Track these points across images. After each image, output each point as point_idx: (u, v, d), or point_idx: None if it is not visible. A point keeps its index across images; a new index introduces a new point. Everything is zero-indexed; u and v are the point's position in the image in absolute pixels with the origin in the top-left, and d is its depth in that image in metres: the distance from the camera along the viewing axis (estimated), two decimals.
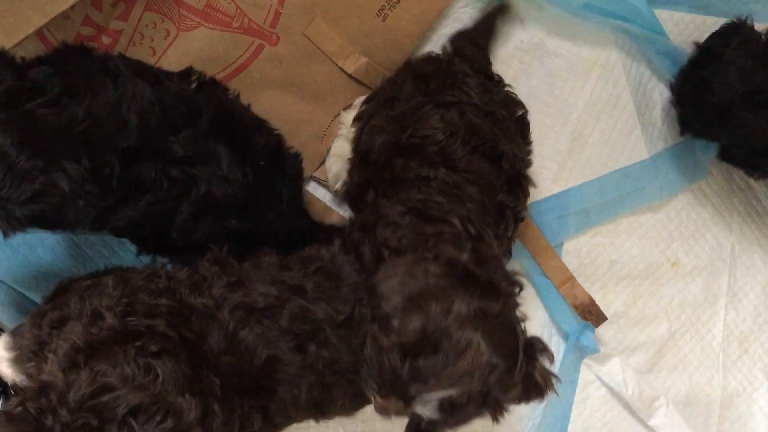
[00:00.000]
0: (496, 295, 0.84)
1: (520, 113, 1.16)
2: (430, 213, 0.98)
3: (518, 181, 1.10)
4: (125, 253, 1.21)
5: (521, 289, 0.92)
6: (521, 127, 1.16)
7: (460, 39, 1.23)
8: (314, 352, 0.93)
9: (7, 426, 0.72)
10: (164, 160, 1.00)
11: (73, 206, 0.89)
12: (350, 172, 1.15)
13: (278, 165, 1.14)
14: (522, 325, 0.87)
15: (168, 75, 1.08)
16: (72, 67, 0.97)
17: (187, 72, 1.11)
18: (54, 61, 0.98)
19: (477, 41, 1.23)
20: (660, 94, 1.37)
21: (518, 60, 1.32)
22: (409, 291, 0.82)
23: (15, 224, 0.88)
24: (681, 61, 1.31)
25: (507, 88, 1.18)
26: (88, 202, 0.91)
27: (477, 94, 1.09)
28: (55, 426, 0.71)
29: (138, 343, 0.80)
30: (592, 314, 1.35)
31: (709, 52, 1.25)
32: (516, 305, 0.89)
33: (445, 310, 0.80)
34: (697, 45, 1.27)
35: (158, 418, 0.75)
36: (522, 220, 1.14)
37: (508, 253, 1.13)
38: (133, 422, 0.74)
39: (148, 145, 0.98)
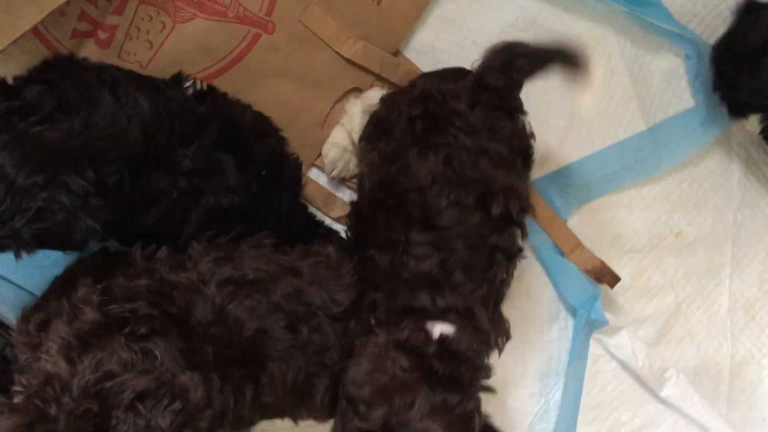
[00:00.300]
0: (459, 388, 0.89)
1: (524, 146, 1.12)
2: (403, 286, 0.97)
3: (511, 220, 1.04)
4: None
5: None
6: (523, 156, 1.12)
7: (490, 66, 1.11)
8: (306, 335, 0.93)
9: (10, 416, 0.72)
10: (173, 172, 1.01)
11: (78, 223, 0.88)
12: (356, 204, 1.13)
13: (278, 173, 1.15)
14: (480, 411, 0.92)
15: (165, 84, 1.08)
16: (65, 81, 0.96)
17: (179, 77, 1.11)
18: (46, 77, 0.97)
19: (511, 71, 1.11)
20: (658, 65, 1.37)
21: (514, 37, 1.30)
22: (376, 383, 0.87)
23: (24, 246, 0.87)
24: (678, 29, 1.32)
25: (522, 119, 1.13)
26: (94, 217, 0.90)
27: (468, 134, 1.03)
28: (59, 415, 0.71)
29: (126, 330, 0.80)
30: (605, 276, 1.36)
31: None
32: (478, 392, 0.94)
33: (408, 404, 0.85)
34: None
35: (166, 401, 0.76)
36: (521, 251, 1.09)
37: (501, 298, 1.08)
38: (141, 407, 0.74)
39: (157, 157, 0.99)
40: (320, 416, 1.03)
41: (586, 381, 1.39)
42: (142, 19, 1.19)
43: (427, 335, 0.91)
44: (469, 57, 1.30)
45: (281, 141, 1.18)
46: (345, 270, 1.02)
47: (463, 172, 1.00)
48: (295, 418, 1.05)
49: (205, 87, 1.11)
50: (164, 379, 0.76)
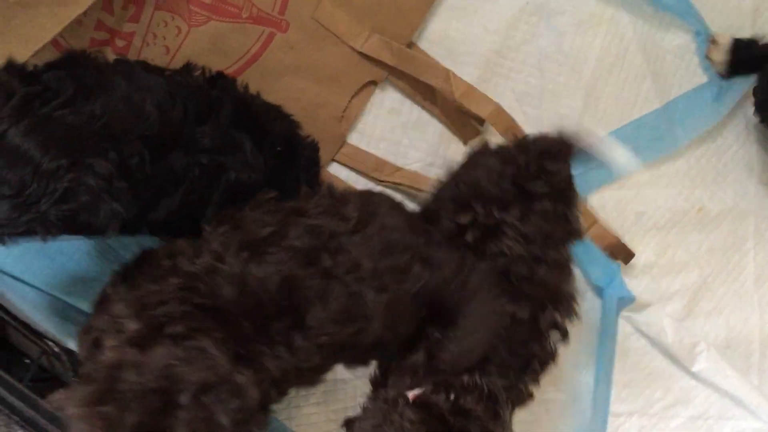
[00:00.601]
0: None
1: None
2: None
3: (556, 326, 1.04)
4: None
5: None
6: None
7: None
8: (329, 261, 0.91)
9: (83, 386, 0.73)
10: (193, 150, 1.01)
11: (102, 205, 0.89)
12: None
13: (293, 153, 1.16)
14: None
15: (175, 71, 1.09)
16: (82, 68, 0.98)
17: (188, 66, 1.12)
18: (64, 64, 0.98)
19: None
20: (670, 42, 1.38)
21: (525, 22, 1.33)
22: None
23: (50, 227, 0.88)
24: (684, 5, 1.32)
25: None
26: (118, 199, 0.91)
27: (526, 244, 1.02)
28: (128, 389, 0.72)
29: (167, 332, 0.81)
30: (620, 252, 1.37)
31: None
32: None
33: None
34: None
35: (225, 397, 0.76)
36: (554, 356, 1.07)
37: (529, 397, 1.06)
38: (205, 399, 0.74)
39: (174, 137, 0.99)
40: (385, 341, 0.98)
41: (616, 359, 1.40)
42: (158, 25, 1.21)
43: (447, 395, 0.92)
44: (481, 45, 1.33)
45: (293, 124, 1.18)
46: (348, 194, 1.01)
47: (523, 287, 1.01)
48: (360, 346, 0.99)
49: (214, 73, 1.12)
50: (224, 375, 0.77)
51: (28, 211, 0.84)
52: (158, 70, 1.05)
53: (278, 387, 0.89)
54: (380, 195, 1.07)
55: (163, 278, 0.89)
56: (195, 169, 1.00)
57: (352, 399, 1.30)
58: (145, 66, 1.05)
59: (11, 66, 0.94)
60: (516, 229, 1.01)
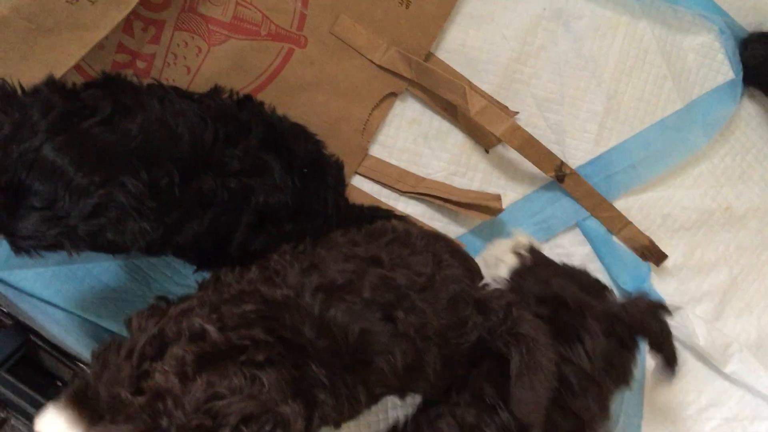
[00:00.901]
0: None
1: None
2: None
3: None
4: (187, 270, 1.22)
5: None
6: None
7: (635, 303, 1.12)
8: (403, 318, 0.94)
9: (125, 424, 0.73)
10: (222, 173, 1.02)
11: (130, 224, 0.89)
12: None
13: (320, 173, 1.16)
14: None
15: (204, 95, 1.10)
16: (119, 89, 0.99)
17: (216, 89, 1.13)
18: (101, 84, 1.00)
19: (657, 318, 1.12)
20: (692, 41, 1.37)
21: (543, 28, 1.32)
22: None
23: (77, 242, 0.88)
24: (705, 3, 1.31)
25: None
26: (147, 219, 0.91)
27: (590, 360, 1.02)
28: (170, 427, 0.72)
29: (244, 357, 0.81)
30: (652, 254, 1.36)
31: None
32: None
33: None
34: None
35: (268, 428, 0.76)
36: None
37: None
38: (245, 430, 0.74)
39: (205, 160, 1.00)
40: (434, 386, 1.02)
41: (647, 363, 1.38)
42: (178, 45, 1.22)
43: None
44: (499, 52, 1.32)
45: (319, 144, 1.19)
46: (415, 239, 1.03)
47: (567, 399, 1.01)
48: (406, 394, 1.05)
49: (241, 96, 1.13)
50: (268, 405, 0.77)
51: (57, 224, 0.85)
52: (189, 95, 1.06)
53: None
54: (443, 239, 1.09)
55: (241, 302, 0.90)
56: (224, 192, 1.00)
57: (383, 411, 1.30)
58: (177, 91, 1.06)
59: (52, 82, 0.96)
60: (594, 342, 1.02)
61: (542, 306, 1.06)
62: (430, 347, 0.96)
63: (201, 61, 1.23)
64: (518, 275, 1.14)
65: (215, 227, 1.02)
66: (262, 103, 1.14)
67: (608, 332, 1.04)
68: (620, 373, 1.05)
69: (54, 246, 0.88)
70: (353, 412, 0.94)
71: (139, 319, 0.92)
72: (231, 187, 1.01)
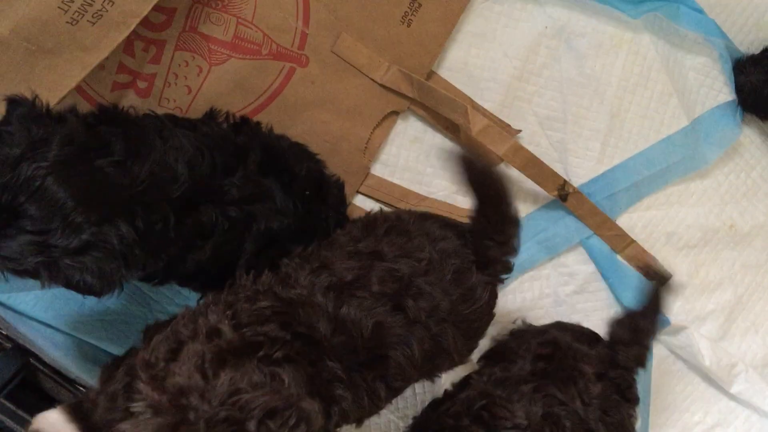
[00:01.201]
0: None
1: None
2: None
3: None
4: (188, 291, 1.21)
5: None
6: None
7: (621, 327, 1.11)
8: (413, 306, 0.95)
9: (153, 417, 0.72)
10: (222, 203, 1.01)
11: (112, 269, 0.88)
12: None
13: (321, 193, 1.16)
14: None
15: (200, 121, 1.09)
16: (132, 127, 0.97)
17: (211, 113, 1.12)
18: (115, 120, 0.98)
19: (640, 333, 1.11)
20: (692, 59, 1.36)
21: (545, 46, 1.32)
22: None
23: (56, 275, 0.87)
24: (706, 23, 1.31)
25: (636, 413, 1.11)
26: (130, 267, 0.90)
27: (584, 404, 1.03)
28: (199, 421, 0.71)
29: (261, 353, 0.82)
30: (656, 274, 1.35)
31: None
32: None
33: None
34: None
35: (292, 422, 0.76)
36: None
37: None
38: (271, 424, 0.74)
39: (203, 191, 0.99)
40: (459, 362, 1.05)
41: (654, 383, 1.37)
42: (179, 65, 1.21)
43: None
44: (501, 70, 1.32)
45: (319, 163, 1.19)
46: (407, 224, 1.05)
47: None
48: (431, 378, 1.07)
49: (238, 119, 1.12)
50: (291, 400, 0.77)
51: (41, 252, 0.84)
52: (185, 123, 1.05)
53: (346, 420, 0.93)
54: (431, 216, 1.11)
55: (256, 300, 0.90)
56: (224, 222, 0.99)
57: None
58: (172, 119, 1.05)
59: (76, 112, 0.94)
60: (586, 385, 1.04)
61: (541, 347, 1.08)
62: (446, 329, 0.98)
63: (202, 81, 1.22)
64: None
65: (218, 256, 1.01)
66: (259, 124, 1.13)
67: (600, 376, 1.05)
68: (617, 424, 1.04)
69: (29, 273, 0.87)
70: (374, 408, 0.95)
71: (156, 328, 0.93)
72: (231, 215, 1.00)
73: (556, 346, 1.08)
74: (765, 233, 1.42)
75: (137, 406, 0.75)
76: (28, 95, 0.90)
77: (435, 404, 1.09)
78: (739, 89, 1.37)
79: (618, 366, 1.07)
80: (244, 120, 1.12)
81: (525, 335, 1.14)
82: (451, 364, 1.05)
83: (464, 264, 1.02)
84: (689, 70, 1.37)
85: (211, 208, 0.98)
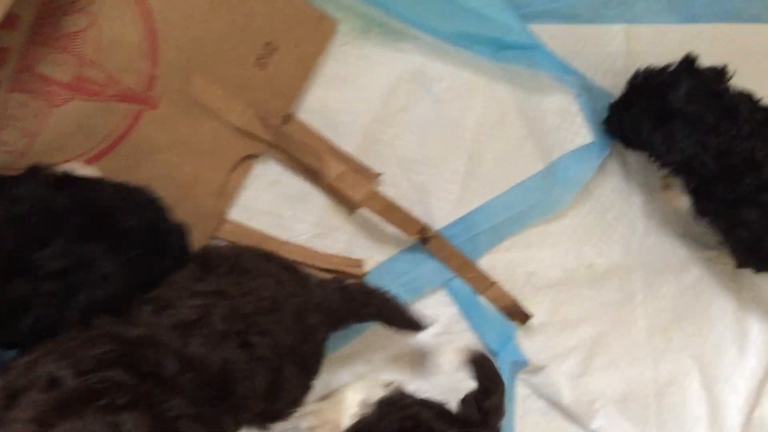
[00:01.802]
0: None
1: None
2: None
3: None
4: None
5: None
6: None
7: (470, 408, 1.15)
8: (257, 342, 0.97)
9: None
10: (35, 278, 0.94)
11: None
12: None
13: (160, 245, 1.09)
14: None
15: (17, 180, 1.01)
16: None
17: (34, 170, 1.04)
18: None
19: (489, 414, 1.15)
20: (550, 104, 1.40)
21: (404, 90, 1.33)
22: None
23: None
24: (562, 68, 1.35)
25: None
26: None
27: None
28: None
29: (103, 402, 0.78)
30: (518, 313, 1.37)
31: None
32: None
33: None
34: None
35: None
36: None
37: None
38: None
39: (12, 266, 0.92)
40: (300, 391, 1.08)
41: (516, 423, 1.38)
42: (16, 107, 1.14)
43: None
44: (361, 113, 1.32)
45: (159, 211, 1.11)
46: (248, 263, 1.07)
47: None
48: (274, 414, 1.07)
49: (60, 175, 1.04)
50: None
51: None
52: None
53: None
54: (274, 258, 1.13)
55: (97, 342, 0.87)
56: (39, 297, 0.93)
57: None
58: None
59: None
60: None
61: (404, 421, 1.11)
62: (286, 364, 1.00)
63: (41, 124, 1.16)
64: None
65: (39, 330, 0.93)
66: (83, 179, 1.08)
67: None
68: None
69: None
70: None
71: None
72: (46, 290, 0.93)
73: (416, 423, 1.10)
74: (621, 272, 1.46)
75: None
76: None
77: None
78: (621, 130, 1.39)
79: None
80: (66, 176, 1.05)
81: (388, 409, 1.14)
82: (293, 394, 1.07)
83: (305, 304, 1.06)
84: (546, 113, 1.41)
85: (24, 282, 0.92)
